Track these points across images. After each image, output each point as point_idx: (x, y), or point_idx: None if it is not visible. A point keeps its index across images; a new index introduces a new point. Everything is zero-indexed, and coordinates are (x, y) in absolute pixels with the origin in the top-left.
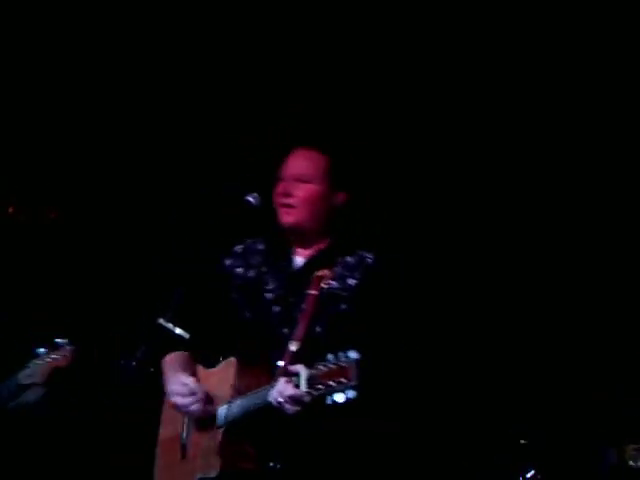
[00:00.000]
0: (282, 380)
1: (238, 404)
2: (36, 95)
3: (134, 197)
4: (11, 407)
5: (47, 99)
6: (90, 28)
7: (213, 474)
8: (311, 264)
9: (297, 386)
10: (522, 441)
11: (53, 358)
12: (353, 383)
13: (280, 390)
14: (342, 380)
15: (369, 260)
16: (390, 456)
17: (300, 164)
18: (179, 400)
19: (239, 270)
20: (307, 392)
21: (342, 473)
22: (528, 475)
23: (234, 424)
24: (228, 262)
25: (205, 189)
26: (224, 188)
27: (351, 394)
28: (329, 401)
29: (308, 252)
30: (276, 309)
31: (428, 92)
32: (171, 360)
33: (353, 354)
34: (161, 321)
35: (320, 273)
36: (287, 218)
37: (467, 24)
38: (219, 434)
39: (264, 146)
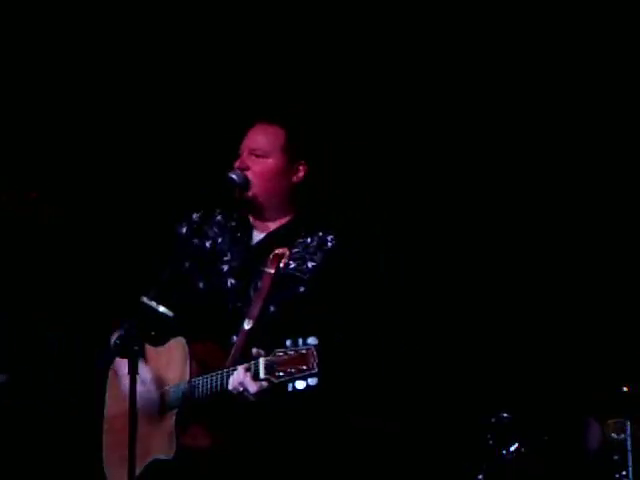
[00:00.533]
0: (240, 369)
1: (193, 385)
2: (21, 80)
3: (122, 182)
4: None
5: (34, 84)
6: (86, 22)
7: (170, 456)
8: (270, 240)
9: (256, 374)
10: (505, 414)
11: None
12: (314, 370)
13: (239, 380)
14: (302, 367)
15: (329, 242)
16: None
17: (257, 138)
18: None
19: (195, 239)
20: (266, 379)
21: (303, 454)
22: (511, 449)
23: (189, 405)
24: (183, 230)
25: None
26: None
27: (312, 381)
28: (290, 388)
29: (268, 227)
30: (231, 282)
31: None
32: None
33: (312, 340)
34: (144, 299)
35: (279, 251)
36: (247, 192)
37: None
38: (173, 415)
39: None
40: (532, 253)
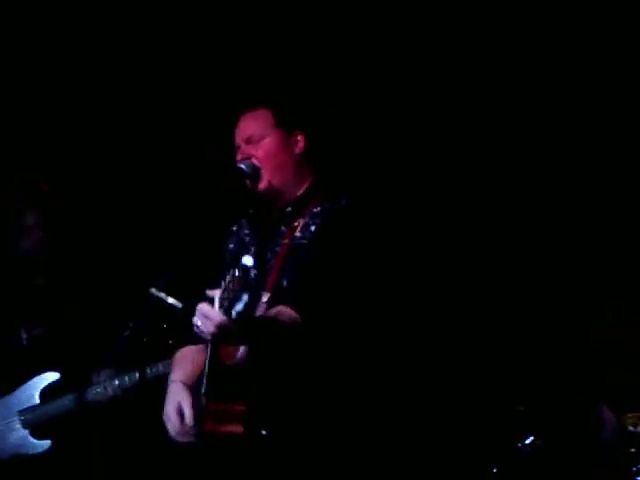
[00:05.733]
0: (201, 304)
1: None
2: (34, 73)
3: (131, 174)
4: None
5: (47, 78)
6: (92, 17)
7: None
8: (282, 216)
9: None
10: (520, 407)
11: None
12: (240, 286)
13: (197, 309)
14: (236, 287)
15: (334, 207)
16: (385, 434)
17: (247, 125)
18: (169, 424)
19: (231, 246)
20: (219, 307)
21: (333, 447)
22: (527, 441)
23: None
24: (226, 242)
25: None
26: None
27: (244, 298)
28: (234, 314)
29: (283, 205)
30: (254, 272)
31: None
32: (177, 356)
33: (245, 260)
34: (153, 290)
35: (295, 224)
36: (259, 184)
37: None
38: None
39: None
40: (539, 244)
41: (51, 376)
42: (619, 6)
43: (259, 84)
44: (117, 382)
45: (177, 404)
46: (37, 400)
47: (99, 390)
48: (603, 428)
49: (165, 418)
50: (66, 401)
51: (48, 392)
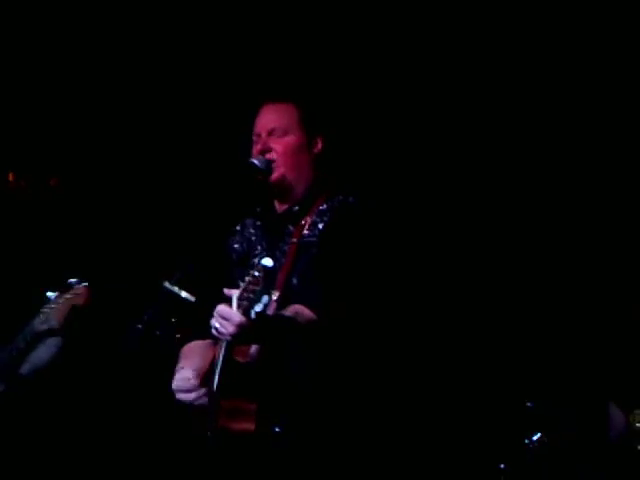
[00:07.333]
0: (220, 305)
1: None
2: (38, 63)
3: (142, 164)
4: (25, 373)
5: (51, 68)
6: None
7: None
8: (290, 215)
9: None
10: (527, 404)
11: (68, 298)
12: (260, 287)
13: (216, 310)
14: (255, 288)
15: (341, 204)
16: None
17: (272, 117)
18: (182, 396)
19: (236, 246)
20: (237, 307)
21: (344, 441)
22: (534, 438)
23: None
24: (230, 241)
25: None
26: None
27: (265, 299)
28: (253, 315)
29: (289, 203)
30: None
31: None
32: (185, 350)
33: (265, 261)
34: (167, 284)
35: (302, 222)
36: (272, 175)
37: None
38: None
39: None
40: (550, 241)
41: None
42: (619, 6)
43: (287, 80)
44: None
45: (183, 376)
46: None
47: None
48: (611, 426)
49: (174, 384)
50: None
51: None
